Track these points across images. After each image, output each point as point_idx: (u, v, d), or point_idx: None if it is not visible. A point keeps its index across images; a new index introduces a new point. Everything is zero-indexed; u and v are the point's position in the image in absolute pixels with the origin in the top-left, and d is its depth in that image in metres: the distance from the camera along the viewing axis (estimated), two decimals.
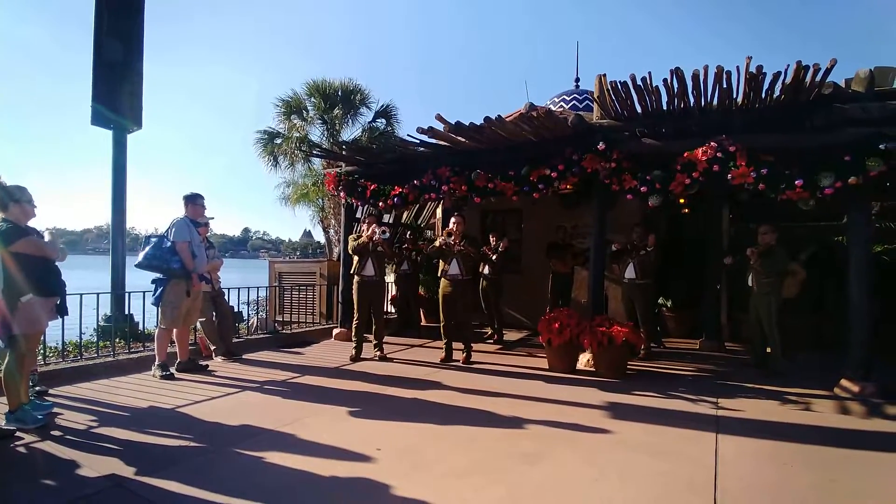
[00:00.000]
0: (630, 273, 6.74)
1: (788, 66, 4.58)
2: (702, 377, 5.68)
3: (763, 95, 5.04)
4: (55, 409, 4.01)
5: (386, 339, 6.83)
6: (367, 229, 6.48)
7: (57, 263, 3.93)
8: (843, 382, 4.89)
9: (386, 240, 6.47)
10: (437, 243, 6.45)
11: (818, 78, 4.66)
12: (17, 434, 3.49)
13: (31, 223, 3.86)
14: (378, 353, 6.46)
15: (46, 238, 3.90)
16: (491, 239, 7.79)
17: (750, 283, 5.89)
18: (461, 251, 6.24)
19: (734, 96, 5.11)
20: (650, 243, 6.62)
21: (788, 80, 4.70)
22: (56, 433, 3.59)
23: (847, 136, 4.80)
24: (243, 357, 6.32)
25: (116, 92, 6.85)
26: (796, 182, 4.88)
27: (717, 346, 7.21)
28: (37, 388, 4.36)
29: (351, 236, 6.87)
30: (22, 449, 3.34)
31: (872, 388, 4.72)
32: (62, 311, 3.99)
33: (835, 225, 7.53)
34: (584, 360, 5.90)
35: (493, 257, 7.61)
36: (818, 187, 4.85)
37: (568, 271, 8.27)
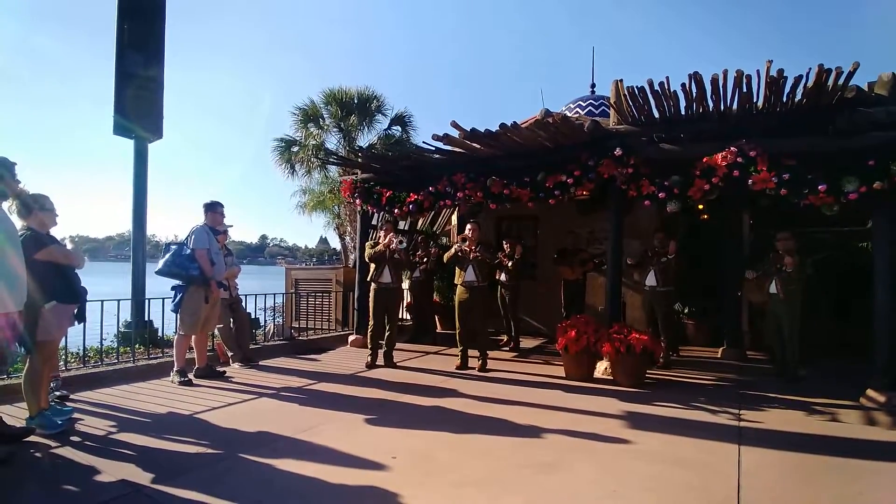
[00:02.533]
0: (651, 280, 6.66)
1: (810, 69, 4.51)
2: (723, 386, 5.58)
3: (784, 99, 4.96)
4: (75, 415, 4.05)
5: (402, 346, 6.82)
6: (384, 237, 6.48)
7: (77, 270, 3.99)
8: (869, 392, 4.76)
9: (403, 249, 6.47)
10: (452, 250, 6.44)
11: (840, 81, 4.58)
12: (37, 440, 3.53)
13: (53, 231, 3.93)
14: (387, 359, 6.47)
15: (69, 246, 3.96)
16: (505, 245, 7.75)
17: (773, 290, 5.76)
18: (477, 258, 6.22)
19: (754, 100, 5.04)
20: (671, 250, 6.54)
21: (810, 83, 4.62)
22: (75, 439, 3.63)
23: (871, 140, 4.71)
24: (260, 363, 6.35)
25: (137, 103, 6.98)
26: (819, 187, 4.80)
27: (739, 354, 7.08)
28: (57, 393, 4.43)
29: (368, 243, 6.87)
30: (41, 454, 3.37)
31: None
32: (81, 317, 4.05)
33: (859, 230, 7.37)
34: (601, 368, 5.83)
35: (510, 264, 7.57)
36: (842, 192, 4.75)
37: (577, 278, 8.19)
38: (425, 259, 8.45)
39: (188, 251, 5.30)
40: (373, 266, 6.54)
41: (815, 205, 4.98)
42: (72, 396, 4.59)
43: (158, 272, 5.34)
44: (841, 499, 2.88)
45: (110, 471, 3.09)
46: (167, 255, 5.32)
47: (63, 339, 4.36)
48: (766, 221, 7.71)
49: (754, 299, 6.41)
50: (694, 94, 5.05)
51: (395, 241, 6.34)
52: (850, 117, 4.88)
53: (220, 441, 3.64)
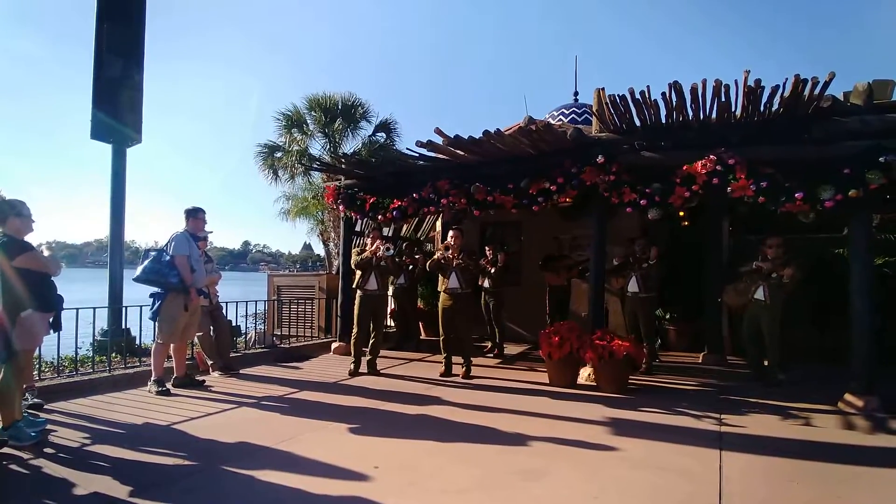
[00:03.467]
0: (633, 286, 6.71)
1: (787, 79, 4.59)
2: (704, 392, 5.63)
3: (762, 109, 5.06)
4: (49, 426, 3.95)
5: (385, 353, 6.78)
6: (371, 243, 6.46)
7: (52, 277, 3.91)
8: (847, 397, 4.84)
9: (390, 256, 6.44)
10: (435, 257, 6.44)
11: (817, 91, 4.68)
12: (10, 452, 3.43)
13: (29, 237, 3.85)
14: (370, 367, 6.42)
15: (45, 253, 3.89)
16: (487, 251, 7.77)
17: (759, 296, 5.81)
18: (460, 265, 6.22)
19: (733, 109, 5.13)
20: (653, 256, 6.59)
21: (787, 93, 4.71)
22: (49, 451, 3.54)
23: (847, 149, 4.81)
24: (241, 372, 6.27)
25: (116, 106, 6.88)
26: (796, 195, 4.87)
27: (720, 359, 7.15)
28: (30, 401, 4.33)
29: (354, 250, 6.83)
30: (14, 466, 3.28)
31: (876, 403, 4.67)
32: (57, 325, 3.96)
33: (836, 237, 7.51)
34: (584, 374, 5.84)
35: (493, 270, 7.58)
36: (818, 200, 4.83)
37: (563, 284, 8.24)
38: (411, 266, 8.43)
39: (167, 258, 5.20)
40: (359, 273, 6.50)
41: (792, 212, 5.07)
42: (46, 406, 4.48)
43: (136, 279, 5.23)
44: (820, 502, 2.92)
45: (84, 484, 3.01)
46: (146, 262, 5.21)
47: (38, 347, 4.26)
48: (744, 228, 7.83)
49: (733, 303, 6.47)
50: (674, 103, 5.12)
51: (381, 247, 6.31)
52: (826, 127, 4.98)
53: (198, 452, 3.57)
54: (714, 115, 5.27)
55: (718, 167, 5.10)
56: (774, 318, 5.72)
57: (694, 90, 4.86)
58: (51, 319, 3.95)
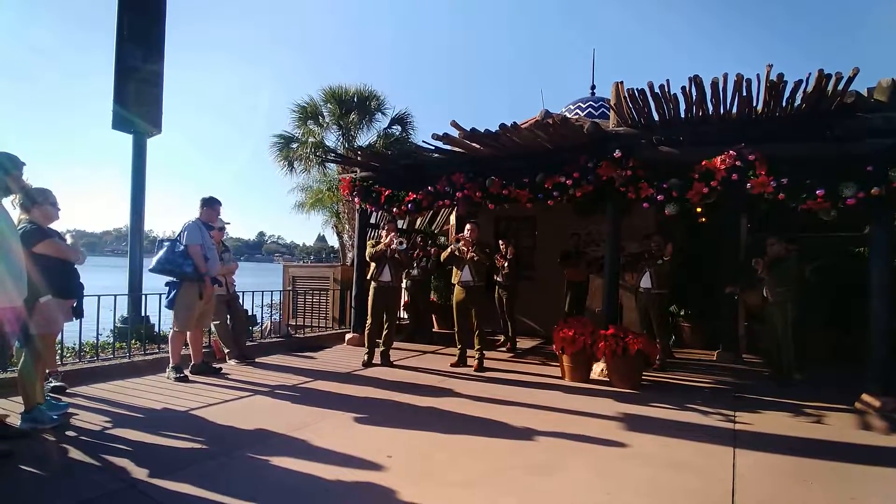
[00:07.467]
0: (646, 282, 6.67)
1: (810, 74, 4.52)
2: (719, 389, 5.59)
3: (784, 104, 4.98)
4: (70, 410, 4.04)
5: (398, 345, 6.81)
6: (386, 236, 6.49)
7: (76, 266, 3.99)
8: (864, 397, 4.78)
9: (402, 251, 6.47)
10: (448, 250, 6.46)
11: (840, 87, 4.59)
12: (33, 435, 3.52)
13: (53, 225, 3.93)
14: (384, 358, 6.47)
15: (68, 241, 3.97)
16: (501, 245, 7.77)
17: (765, 294, 5.83)
18: (473, 258, 6.23)
19: (754, 105, 5.05)
20: (667, 253, 6.54)
21: (810, 88, 4.63)
22: (70, 433, 3.62)
23: (870, 147, 4.73)
24: (256, 360, 6.34)
25: (137, 96, 6.96)
26: (817, 192, 4.80)
27: (735, 357, 7.09)
28: (53, 385, 4.43)
29: (369, 242, 6.88)
30: (35, 449, 3.36)
31: (894, 404, 4.61)
32: (78, 312, 4.04)
33: (856, 236, 7.39)
34: (597, 369, 5.83)
35: (505, 264, 7.58)
36: (840, 198, 4.76)
37: (583, 279, 8.22)
38: (423, 258, 8.46)
39: (181, 247, 5.27)
40: (373, 264, 6.55)
41: (812, 210, 5.00)
42: (68, 391, 4.58)
43: (152, 270, 5.31)
44: (834, 503, 2.89)
45: (105, 466, 3.09)
46: (160, 253, 5.27)
47: (60, 333, 4.35)
48: (763, 225, 7.74)
49: (752, 302, 6.43)
50: (694, 98, 5.06)
51: (395, 241, 6.35)
52: (849, 123, 4.90)
53: (215, 437, 3.64)
54: (734, 111, 5.20)
55: (738, 163, 5.04)
56: (785, 316, 5.69)
57: (714, 84, 4.80)
58: (73, 306, 4.03)
